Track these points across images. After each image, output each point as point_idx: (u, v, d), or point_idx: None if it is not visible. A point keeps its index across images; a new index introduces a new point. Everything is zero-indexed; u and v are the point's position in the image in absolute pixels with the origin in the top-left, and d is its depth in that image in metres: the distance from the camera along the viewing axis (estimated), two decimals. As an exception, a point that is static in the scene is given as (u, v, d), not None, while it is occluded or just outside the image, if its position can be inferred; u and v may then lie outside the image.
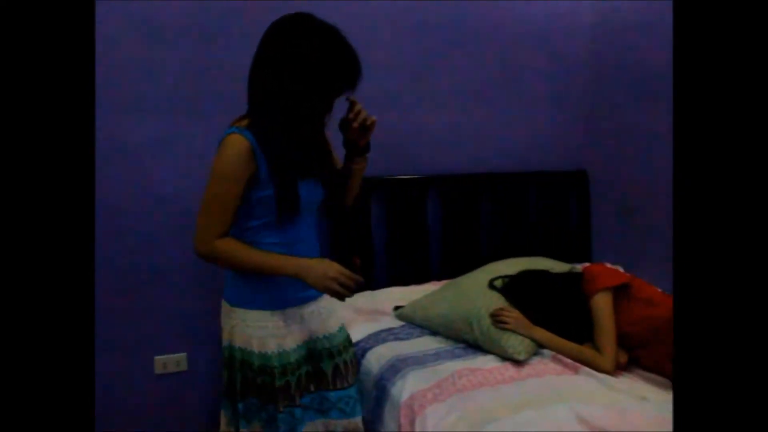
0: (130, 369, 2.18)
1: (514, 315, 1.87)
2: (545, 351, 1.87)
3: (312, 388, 1.52)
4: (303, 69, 1.34)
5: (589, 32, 2.81)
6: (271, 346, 1.45)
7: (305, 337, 1.51)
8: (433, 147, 2.59)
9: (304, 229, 1.49)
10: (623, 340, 1.82)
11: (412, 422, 1.57)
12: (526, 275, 2.04)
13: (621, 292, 1.86)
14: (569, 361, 1.79)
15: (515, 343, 1.82)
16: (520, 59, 2.71)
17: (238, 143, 1.35)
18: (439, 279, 2.50)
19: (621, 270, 2.06)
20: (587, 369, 1.75)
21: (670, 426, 1.42)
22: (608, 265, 2.02)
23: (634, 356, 1.83)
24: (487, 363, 1.81)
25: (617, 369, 1.78)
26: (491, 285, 2.03)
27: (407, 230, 2.53)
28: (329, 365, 1.54)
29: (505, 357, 1.82)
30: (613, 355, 1.76)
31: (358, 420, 1.58)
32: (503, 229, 2.73)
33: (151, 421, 2.24)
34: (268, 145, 1.38)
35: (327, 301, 1.56)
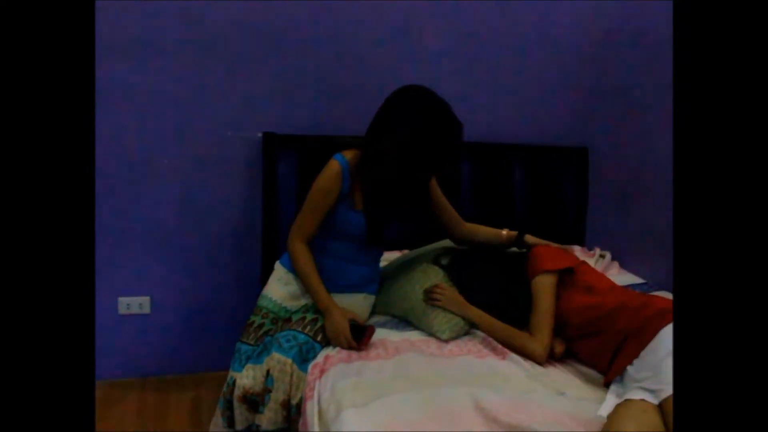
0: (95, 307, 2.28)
1: (447, 293, 1.80)
2: (478, 333, 1.79)
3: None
4: (411, 137, 1.61)
5: (595, 3, 2.60)
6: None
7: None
8: None
9: (361, 257, 1.83)
10: (562, 330, 1.71)
11: (316, 380, 1.56)
12: (470, 252, 1.95)
13: (566, 278, 1.75)
14: (500, 346, 1.72)
15: (441, 321, 1.76)
16: (525, 31, 2.55)
17: (332, 164, 1.72)
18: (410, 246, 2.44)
19: (575, 253, 1.92)
20: (516, 357, 1.66)
21: (579, 425, 1.35)
22: (556, 247, 1.89)
23: (572, 348, 1.72)
24: (412, 336, 1.77)
25: (552, 360, 1.69)
26: (436, 260, 1.96)
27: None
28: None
29: (430, 333, 1.77)
30: (546, 340, 1.66)
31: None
32: (487, 202, 2.62)
33: (115, 361, 2.35)
34: (365, 173, 1.72)
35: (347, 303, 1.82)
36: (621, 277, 2.36)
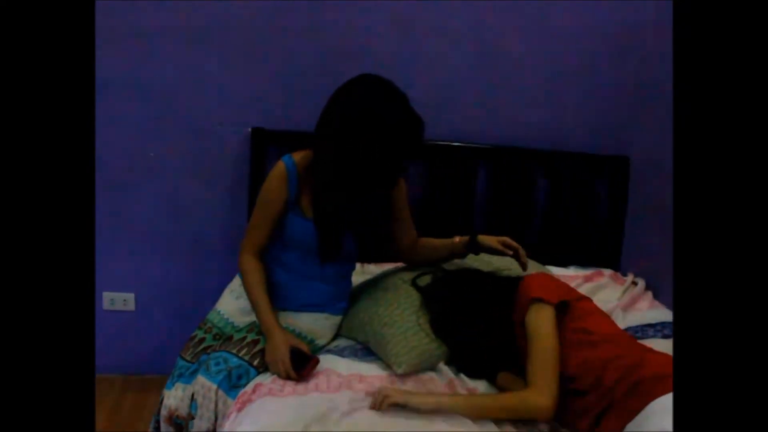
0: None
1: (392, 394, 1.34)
2: (444, 370, 1.54)
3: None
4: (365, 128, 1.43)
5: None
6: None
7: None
8: (444, 110, 2.26)
9: (320, 271, 1.63)
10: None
11: (234, 412, 1.38)
12: (455, 275, 1.68)
13: (560, 314, 1.45)
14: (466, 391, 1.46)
15: (399, 351, 1.52)
16: (556, 23, 2.23)
17: (277, 167, 1.57)
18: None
19: (574, 287, 1.61)
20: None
21: None
22: (553, 277, 1.59)
23: None
24: (365, 370, 1.54)
25: None
26: (414, 282, 1.71)
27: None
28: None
29: (388, 365, 1.54)
30: (553, 389, 1.30)
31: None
32: (502, 214, 2.33)
33: (97, 356, 2.29)
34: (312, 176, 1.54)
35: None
36: (651, 313, 2.00)
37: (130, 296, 2.27)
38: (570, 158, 2.34)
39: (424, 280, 1.70)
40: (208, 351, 1.57)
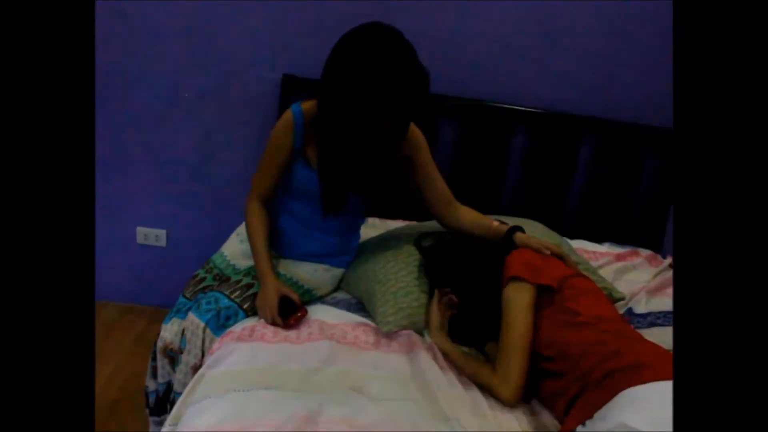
0: (114, 234, 2.36)
1: (434, 309, 1.48)
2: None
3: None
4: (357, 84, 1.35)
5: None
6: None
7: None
8: (486, 66, 2.16)
9: (324, 222, 1.60)
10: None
11: (214, 351, 1.41)
12: (459, 240, 1.61)
13: (547, 295, 1.37)
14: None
15: (388, 311, 1.49)
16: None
17: (284, 116, 1.53)
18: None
19: (573, 265, 1.49)
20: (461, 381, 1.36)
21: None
22: (544, 254, 1.47)
23: (536, 384, 1.34)
24: (353, 321, 1.53)
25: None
26: (417, 241, 1.66)
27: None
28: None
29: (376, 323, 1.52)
30: (516, 379, 1.27)
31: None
32: (537, 183, 2.21)
33: (130, 286, 2.43)
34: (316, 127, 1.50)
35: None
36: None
37: (162, 233, 2.36)
38: (618, 127, 2.17)
39: (428, 241, 1.65)
40: (206, 290, 1.61)
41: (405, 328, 1.48)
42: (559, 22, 2.11)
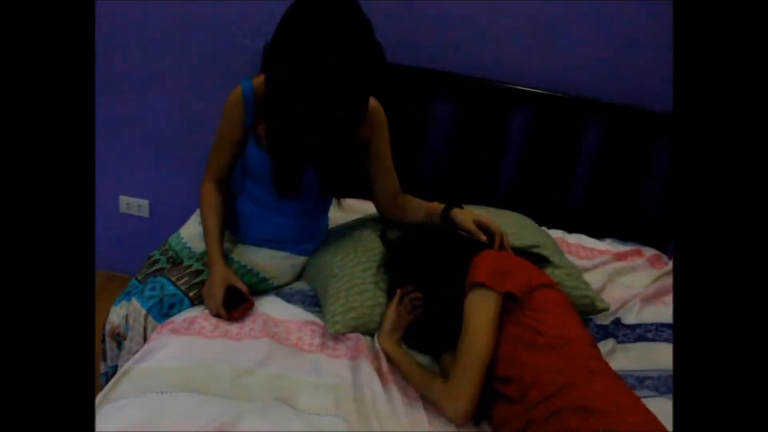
0: (96, 201, 2.30)
1: (390, 311, 1.37)
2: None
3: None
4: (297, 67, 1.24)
5: None
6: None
7: None
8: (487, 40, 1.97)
9: (280, 205, 1.49)
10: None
11: (148, 342, 1.33)
12: (425, 234, 1.48)
13: (511, 304, 1.23)
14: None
15: (337, 310, 1.38)
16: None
17: (234, 91, 1.41)
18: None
19: (544, 272, 1.33)
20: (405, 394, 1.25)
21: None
22: (514, 258, 1.32)
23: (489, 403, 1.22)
24: (300, 318, 1.42)
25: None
26: (383, 234, 1.53)
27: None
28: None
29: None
30: (469, 396, 1.14)
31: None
32: (537, 170, 2.04)
33: (114, 255, 2.38)
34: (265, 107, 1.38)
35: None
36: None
37: (145, 203, 2.30)
38: (628, 112, 1.96)
39: (394, 234, 1.52)
40: (157, 274, 1.53)
41: (354, 330, 1.37)
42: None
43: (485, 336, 1.18)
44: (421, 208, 1.52)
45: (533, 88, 1.96)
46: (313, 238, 1.61)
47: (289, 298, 1.50)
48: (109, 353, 1.53)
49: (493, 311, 1.20)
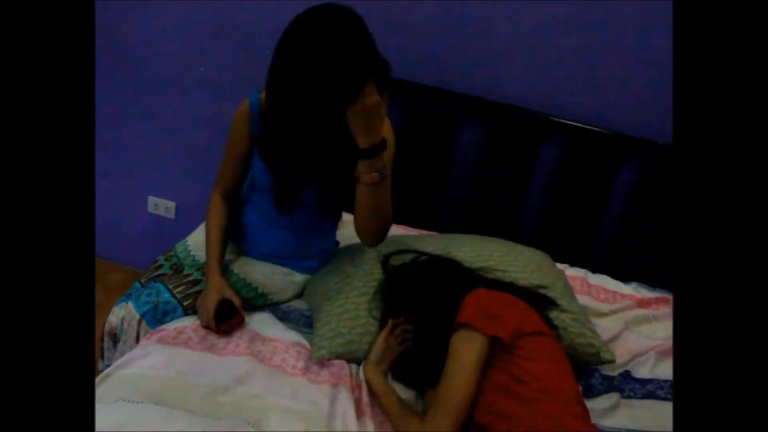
0: (127, 200, 2.37)
1: (379, 341, 1.34)
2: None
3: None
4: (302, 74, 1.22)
5: None
6: None
7: None
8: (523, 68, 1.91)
9: (281, 219, 1.47)
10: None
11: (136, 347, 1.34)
12: (422, 264, 1.42)
13: (499, 348, 1.16)
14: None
15: (325, 334, 1.35)
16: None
17: (242, 104, 1.43)
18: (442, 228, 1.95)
19: (537, 317, 1.25)
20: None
21: None
22: (508, 298, 1.24)
23: None
24: (289, 338, 1.39)
25: None
26: (385, 260, 1.48)
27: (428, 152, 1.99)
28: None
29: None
30: None
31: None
32: (572, 203, 1.95)
33: (142, 252, 2.43)
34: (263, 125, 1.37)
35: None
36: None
37: (172, 205, 2.34)
38: (668, 152, 1.85)
39: (399, 259, 1.47)
40: (157, 279, 1.54)
41: (340, 356, 1.33)
42: (604, 21, 1.81)
43: (465, 378, 1.12)
44: None
45: (567, 120, 1.88)
46: (316, 256, 1.58)
47: (284, 317, 1.48)
48: (106, 352, 1.55)
49: (477, 354, 1.13)
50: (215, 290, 1.39)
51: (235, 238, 1.58)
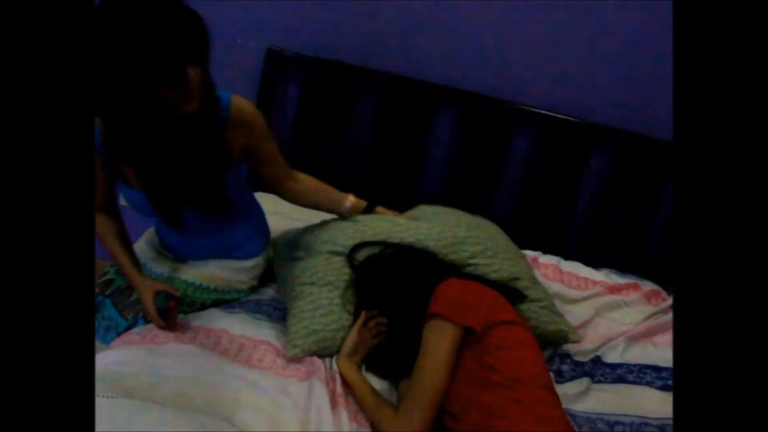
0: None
1: (352, 333, 1.34)
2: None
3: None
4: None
5: None
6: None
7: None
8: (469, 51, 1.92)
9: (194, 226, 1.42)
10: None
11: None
12: (388, 256, 1.42)
13: (471, 338, 1.17)
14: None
15: (299, 331, 1.34)
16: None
17: None
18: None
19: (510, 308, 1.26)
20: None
21: None
22: (480, 289, 1.25)
23: None
24: (258, 335, 1.38)
25: None
26: (351, 252, 1.46)
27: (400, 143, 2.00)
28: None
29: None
30: (417, 430, 1.09)
31: None
32: (545, 188, 1.97)
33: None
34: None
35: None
36: (666, 352, 1.53)
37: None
38: (639, 141, 1.87)
39: (364, 254, 1.46)
40: (107, 293, 1.49)
41: (314, 353, 1.33)
42: (585, 18, 1.83)
43: (438, 368, 1.13)
44: (330, 197, 1.53)
45: (539, 108, 1.89)
46: (252, 237, 1.54)
47: (256, 309, 1.48)
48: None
49: (449, 343, 1.14)
50: (144, 290, 1.34)
51: (168, 250, 1.56)
